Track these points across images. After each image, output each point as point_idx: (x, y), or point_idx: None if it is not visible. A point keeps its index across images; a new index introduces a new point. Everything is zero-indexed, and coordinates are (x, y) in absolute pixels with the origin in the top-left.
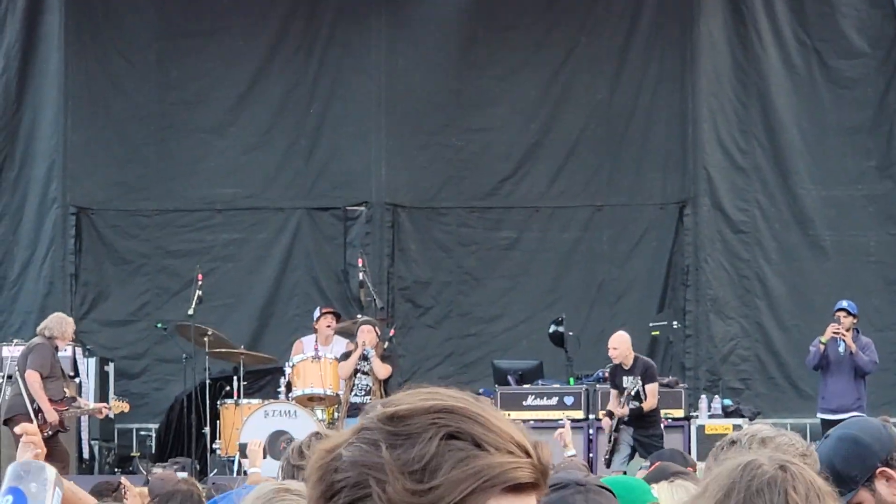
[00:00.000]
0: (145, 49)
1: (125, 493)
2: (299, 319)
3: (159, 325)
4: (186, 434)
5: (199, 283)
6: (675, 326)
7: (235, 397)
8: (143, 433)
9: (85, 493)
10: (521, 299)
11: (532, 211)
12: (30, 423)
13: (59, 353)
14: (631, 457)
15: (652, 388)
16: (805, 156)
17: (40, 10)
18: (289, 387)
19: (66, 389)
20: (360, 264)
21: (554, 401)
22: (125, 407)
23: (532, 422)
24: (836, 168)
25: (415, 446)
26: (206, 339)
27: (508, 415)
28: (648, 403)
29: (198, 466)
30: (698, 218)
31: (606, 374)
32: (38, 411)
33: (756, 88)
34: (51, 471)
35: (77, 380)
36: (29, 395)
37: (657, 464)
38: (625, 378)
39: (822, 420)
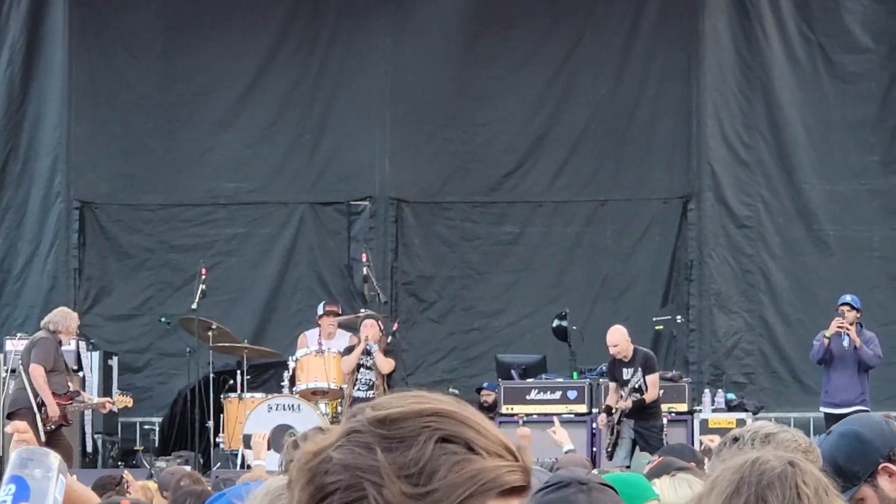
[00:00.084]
0: (149, 42)
1: (127, 487)
2: (303, 314)
3: (163, 320)
4: (190, 428)
5: (203, 277)
6: (678, 321)
7: (239, 391)
8: (146, 427)
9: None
10: (524, 294)
11: (535, 206)
12: (21, 422)
13: (63, 348)
14: (632, 449)
15: (653, 379)
16: (809, 151)
17: (44, 3)
18: (292, 381)
19: (69, 383)
20: (364, 259)
21: (557, 395)
22: (129, 402)
23: (535, 416)
24: (840, 163)
25: (410, 449)
26: (209, 333)
27: (512, 409)
28: (650, 395)
29: (201, 460)
30: (702, 213)
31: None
32: (41, 405)
33: (760, 83)
34: (55, 457)
35: (81, 374)
36: (32, 389)
37: (660, 458)
38: (624, 370)
39: (826, 414)
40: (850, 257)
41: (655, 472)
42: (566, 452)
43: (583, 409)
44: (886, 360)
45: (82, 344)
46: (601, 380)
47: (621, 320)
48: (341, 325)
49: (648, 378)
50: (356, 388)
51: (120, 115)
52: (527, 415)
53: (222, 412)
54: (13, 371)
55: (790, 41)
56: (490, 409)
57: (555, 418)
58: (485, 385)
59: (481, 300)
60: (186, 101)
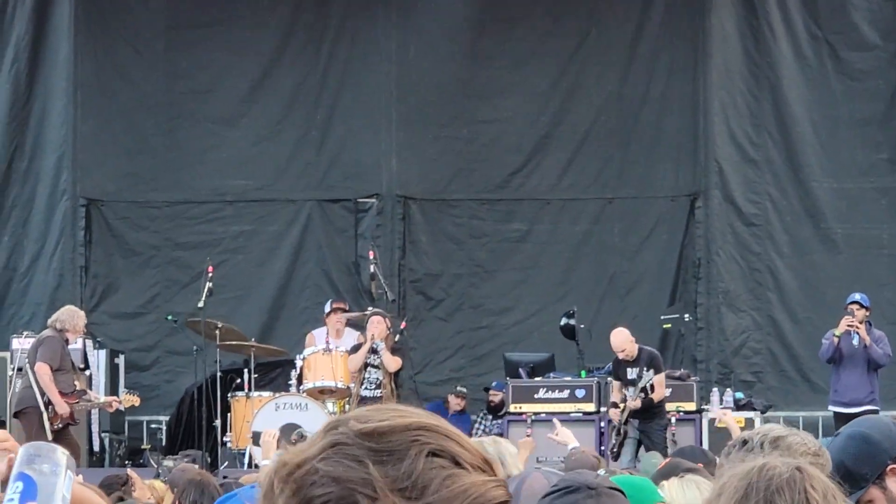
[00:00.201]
0: (154, 39)
1: (132, 486)
2: (310, 312)
3: (169, 318)
4: (197, 427)
5: (210, 275)
6: (686, 319)
7: (246, 390)
8: (153, 426)
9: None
10: (532, 292)
11: (543, 203)
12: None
13: (70, 346)
14: (636, 449)
15: (660, 379)
16: (816, 148)
17: (50, 1)
18: (300, 379)
19: (76, 382)
20: (371, 256)
21: (565, 393)
22: (136, 401)
23: (543, 415)
24: (848, 161)
25: (401, 463)
26: (216, 331)
27: (520, 408)
28: (658, 394)
29: (208, 459)
30: (709, 211)
31: None
32: (48, 404)
33: (768, 81)
34: (63, 453)
35: (87, 372)
36: (39, 387)
37: (669, 459)
38: (629, 370)
39: (835, 413)
40: (858, 255)
41: (664, 474)
42: (572, 449)
43: (591, 407)
44: None
45: (89, 342)
46: (609, 378)
47: (629, 318)
48: (349, 323)
49: (655, 378)
50: (363, 386)
51: (126, 113)
52: (535, 413)
53: (229, 411)
54: (20, 370)
55: (797, 38)
56: (497, 409)
57: (554, 419)
58: (493, 384)
59: (489, 298)
60: (192, 99)
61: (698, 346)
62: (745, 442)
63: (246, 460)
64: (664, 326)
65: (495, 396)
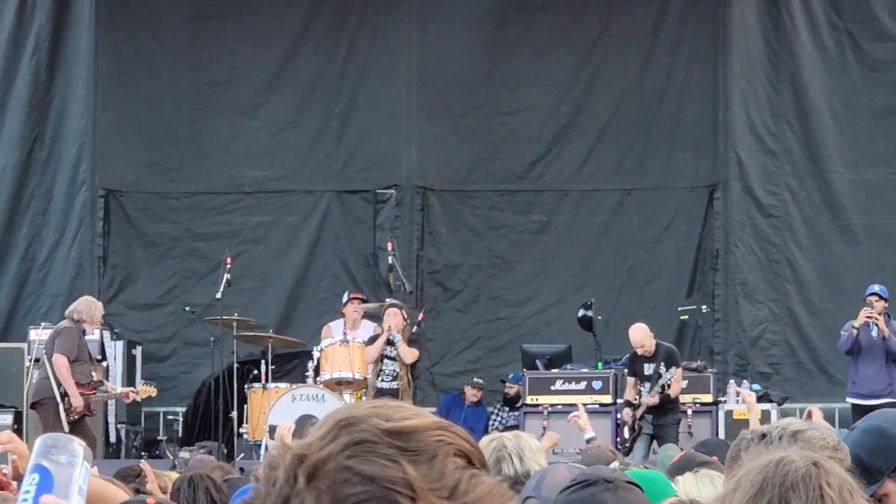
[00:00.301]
0: (175, 29)
1: (146, 478)
2: (328, 303)
3: (187, 309)
4: (213, 418)
5: (228, 266)
6: (704, 311)
7: (263, 381)
8: (170, 417)
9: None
10: (550, 283)
11: (562, 194)
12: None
13: (87, 337)
14: (649, 445)
15: (677, 375)
16: (836, 139)
17: None
18: (317, 371)
19: (93, 373)
20: (390, 248)
21: (582, 385)
22: (152, 392)
23: (560, 406)
24: (868, 151)
25: (433, 462)
26: (234, 322)
27: (536, 399)
28: (674, 390)
29: (225, 450)
30: (728, 202)
31: None
32: (64, 395)
33: (788, 71)
34: (79, 444)
35: (104, 363)
36: (56, 378)
37: (683, 452)
38: (646, 365)
39: (853, 405)
40: (878, 246)
41: (678, 468)
42: (588, 441)
43: (608, 399)
44: None
45: (106, 333)
46: (626, 370)
47: (647, 309)
48: (367, 315)
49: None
50: (380, 378)
51: (146, 103)
52: (551, 405)
53: (246, 402)
54: (37, 360)
55: (818, 28)
56: (513, 401)
57: (579, 404)
58: (509, 377)
59: (507, 289)
60: (212, 89)
61: (716, 337)
62: (763, 436)
63: (262, 452)
64: (682, 318)
65: (510, 389)
